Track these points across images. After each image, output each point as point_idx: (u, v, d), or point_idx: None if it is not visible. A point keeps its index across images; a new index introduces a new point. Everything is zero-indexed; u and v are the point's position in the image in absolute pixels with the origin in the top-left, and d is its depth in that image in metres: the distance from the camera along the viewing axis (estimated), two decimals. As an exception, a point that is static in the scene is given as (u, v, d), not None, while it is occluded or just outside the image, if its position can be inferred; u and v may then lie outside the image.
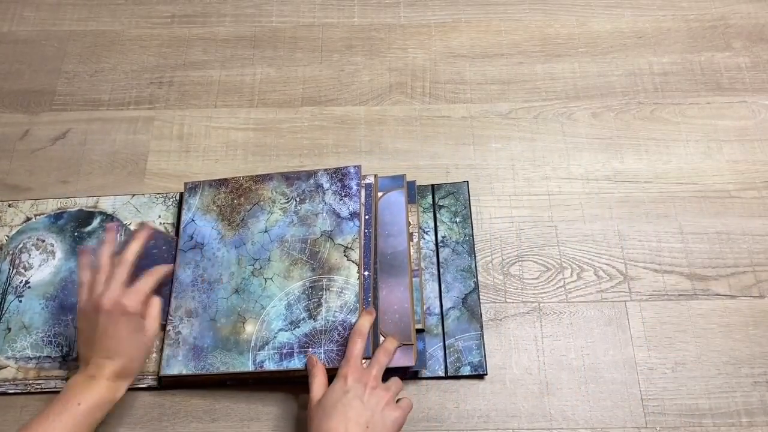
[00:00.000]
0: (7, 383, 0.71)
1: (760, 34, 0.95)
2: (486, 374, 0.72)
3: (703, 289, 0.77)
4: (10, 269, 0.77)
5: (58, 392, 0.70)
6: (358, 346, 0.64)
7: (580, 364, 0.73)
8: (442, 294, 0.75)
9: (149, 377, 0.71)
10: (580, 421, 0.70)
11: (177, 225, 0.79)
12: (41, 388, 0.71)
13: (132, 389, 0.71)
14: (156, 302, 0.67)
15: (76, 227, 0.80)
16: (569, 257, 0.79)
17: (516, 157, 0.86)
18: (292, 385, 0.72)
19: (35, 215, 0.81)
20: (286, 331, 0.69)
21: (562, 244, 0.80)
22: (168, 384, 0.71)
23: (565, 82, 0.92)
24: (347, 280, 0.70)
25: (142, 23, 0.99)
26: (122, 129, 0.90)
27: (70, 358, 0.72)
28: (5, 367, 0.72)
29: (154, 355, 0.72)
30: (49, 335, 0.73)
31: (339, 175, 0.77)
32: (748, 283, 0.77)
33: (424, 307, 0.73)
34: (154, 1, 1.01)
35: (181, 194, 0.81)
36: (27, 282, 0.76)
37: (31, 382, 0.71)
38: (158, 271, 0.68)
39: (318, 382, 0.63)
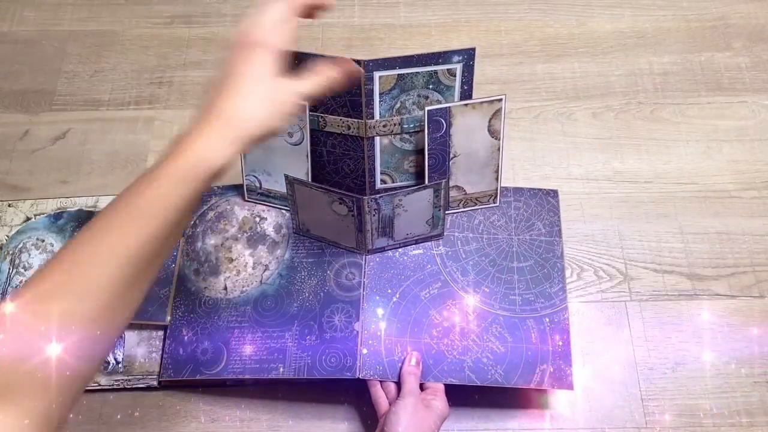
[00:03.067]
0: (7, 383, 0.71)
1: (760, 34, 0.95)
2: (486, 374, 0.72)
3: (703, 289, 0.77)
4: (9, 269, 0.77)
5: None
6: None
7: (580, 364, 0.73)
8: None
9: (149, 377, 0.71)
10: (580, 421, 0.70)
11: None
12: (41, 388, 0.71)
13: (132, 389, 0.71)
14: (320, 73, 0.49)
15: (76, 227, 0.80)
16: (569, 257, 0.79)
17: (516, 157, 0.86)
18: (291, 385, 0.72)
19: (35, 215, 0.81)
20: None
21: (562, 241, 0.79)
22: (167, 384, 0.71)
23: (565, 82, 0.92)
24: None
25: (142, 23, 0.99)
26: (122, 129, 0.89)
27: (70, 358, 0.72)
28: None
29: (154, 354, 0.72)
30: (49, 335, 0.73)
31: None
32: (748, 283, 0.77)
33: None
34: (154, 1, 1.01)
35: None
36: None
37: (31, 381, 0.71)
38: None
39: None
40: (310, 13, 0.49)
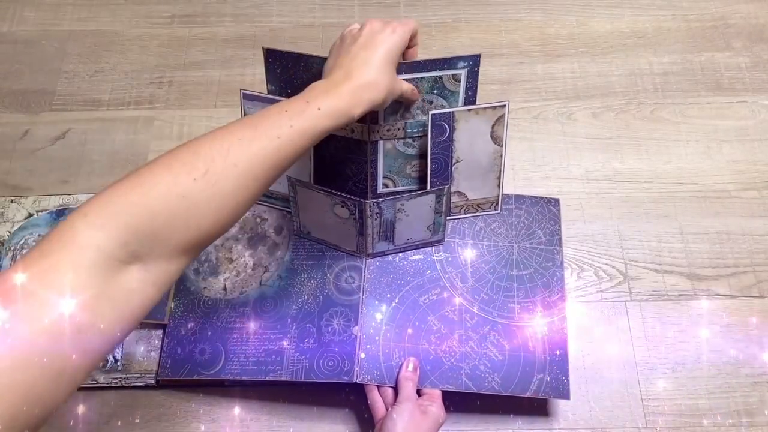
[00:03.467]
0: (7, 383, 0.71)
1: (760, 34, 0.95)
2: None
3: (703, 289, 0.77)
4: (11, 265, 0.77)
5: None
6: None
7: (580, 365, 0.73)
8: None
9: (147, 376, 0.71)
10: (580, 421, 0.70)
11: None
12: (41, 388, 0.71)
13: (130, 387, 0.71)
14: (407, 84, 0.64)
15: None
16: (569, 257, 0.79)
17: (516, 158, 0.86)
18: (290, 386, 0.72)
19: (37, 211, 0.81)
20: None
21: (563, 250, 0.79)
22: (165, 383, 0.71)
23: (565, 82, 0.92)
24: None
25: (142, 23, 0.99)
26: (122, 129, 0.90)
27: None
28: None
29: (153, 353, 0.72)
30: (49, 335, 0.73)
31: None
32: (748, 283, 0.77)
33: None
34: (154, 1, 1.01)
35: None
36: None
37: (31, 382, 0.71)
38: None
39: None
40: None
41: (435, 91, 0.68)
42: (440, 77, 0.67)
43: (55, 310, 0.36)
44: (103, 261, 0.39)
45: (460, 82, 0.67)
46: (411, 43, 0.62)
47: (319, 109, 0.52)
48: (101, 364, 0.72)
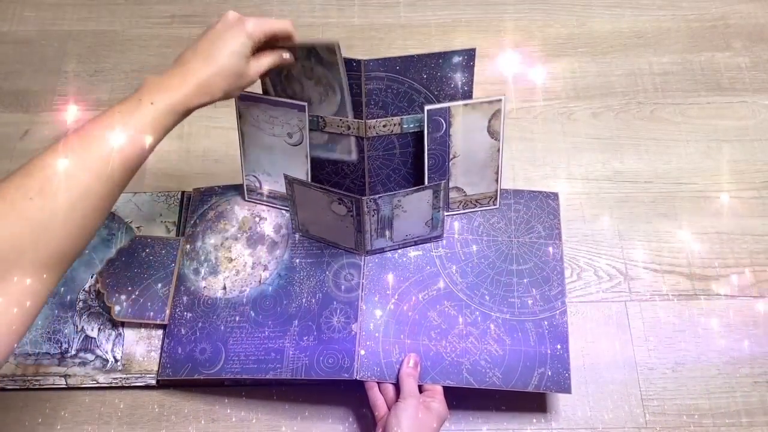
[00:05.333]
0: (5, 379, 0.71)
1: (760, 34, 0.95)
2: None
3: (703, 289, 0.77)
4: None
5: (56, 389, 0.71)
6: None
7: (580, 364, 0.72)
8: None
9: (147, 376, 0.71)
10: (580, 421, 0.70)
11: (178, 225, 0.79)
12: (39, 385, 0.71)
13: (130, 387, 0.71)
14: (269, 56, 0.61)
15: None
16: (569, 257, 0.79)
17: (516, 157, 0.86)
18: (291, 386, 0.72)
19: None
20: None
21: (562, 244, 0.79)
22: (165, 383, 0.71)
23: (565, 82, 0.92)
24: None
25: (142, 23, 0.99)
26: (122, 129, 0.89)
27: (68, 355, 0.72)
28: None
29: (153, 353, 0.72)
30: (48, 332, 0.73)
31: None
32: (748, 283, 0.77)
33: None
34: (154, 1, 1.01)
35: (182, 193, 0.81)
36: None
37: (29, 378, 0.71)
38: (283, 24, 0.62)
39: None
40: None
41: (313, 58, 0.66)
42: (313, 47, 0.66)
43: None
44: None
45: (335, 53, 0.66)
46: (276, 42, 0.61)
47: (152, 103, 0.51)
48: (101, 364, 0.72)
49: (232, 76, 0.57)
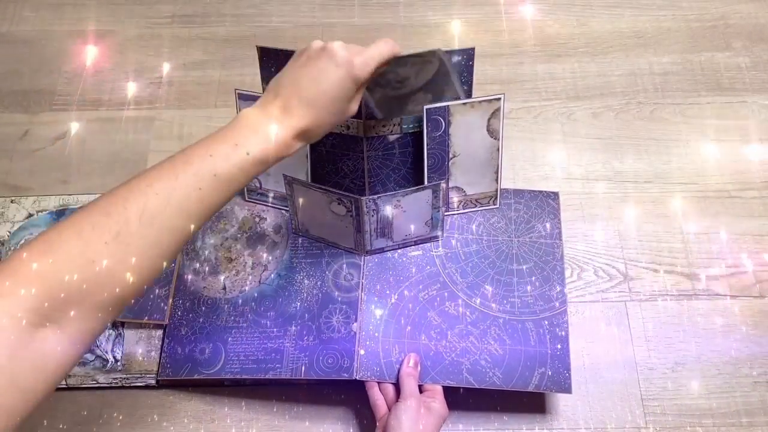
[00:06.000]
0: (6, 382, 0.71)
1: (760, 34, 0.95)
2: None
3: (703, 289, 0.77)
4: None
5: (57, 389, 0.70)
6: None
7: (580, 364, 0.72)
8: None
9: (147, 376, 0.71)
10: (580, 421, 0.70)
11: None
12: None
13: (130, 387, 0.71)
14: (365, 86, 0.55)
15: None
16: (569, 257, 0.79)
17: (516, 157, 0.86)
18: (291, 386, 0.72)
19: (37, 212, 0.81)
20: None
21: (562, 244, 0.79)
22: (165, 383, 0.71)
23: (565, 82, 0.92)
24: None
25: (142, 23, 0.99)
26: (122, 129, 0.90)
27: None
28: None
29: (153, 353, 0.72)
30: (48, 335, 0.73)
31: None
32: (748, 283, 0.77)
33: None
34: (154, 1, 1.01)
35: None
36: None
37: (30, 381, 0.71)
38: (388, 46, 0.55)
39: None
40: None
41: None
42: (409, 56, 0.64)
43: None
44: (13, 326, 0.39)
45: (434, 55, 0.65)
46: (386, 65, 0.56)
47: (247, 154, 0.47)
48: (101, 364, 0.72)
49: (334, 122, 0.53)
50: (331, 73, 0.51)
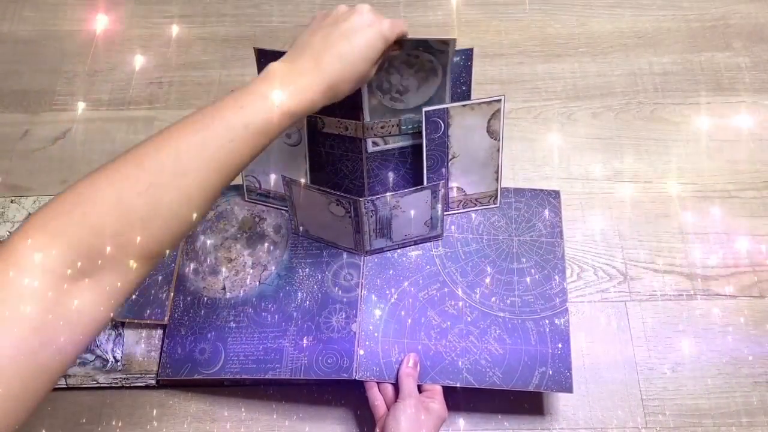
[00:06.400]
0: (6, 382, 0.71)
1: (760, 34, 0.95)
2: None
3: (703, 289, 0.77)
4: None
5: (56, 389, 0.71)
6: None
7: (580, 364, 0.72)
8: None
9: (147, 376, 0.71)
10: (580, 421, 0.70)
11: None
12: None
13: (130, 387, 0.71)
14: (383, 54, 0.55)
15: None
16: (569, 257, 0.79)
17: (516, 157, 0.86)
18: (291, 386, 0.72)
19: (36, 213, 0.81)
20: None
21: (563, 242, 0.79)
22: (165, 383, 0.71)
23: (565, 82, 0.92)
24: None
25: (142, 23, 0.99)
26: (122, 129, 0.90)
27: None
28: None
29: (153, 353, 0.72)
30: (48, 335, 0.73)
31: None
32: (748, 283, 0.77)
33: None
34: (154, 1, 1.01)
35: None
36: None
37: (30, 381, 0.71)
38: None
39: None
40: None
41: (420, 48, 0.65)
42: (425, 40, 0.65)
43: (6, 337, 0.36)
44: (49, 282, 0.38)
45: (448, 44, 0.65)
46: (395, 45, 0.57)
47: (278, 106, 0.47)
48: (101, 364, 0.72)
49: (358, 82, 0.53)
50: (363, 31, 0.51)
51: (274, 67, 0.50)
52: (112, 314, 0.43)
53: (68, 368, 0.39)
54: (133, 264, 0.42)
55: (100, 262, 0.40)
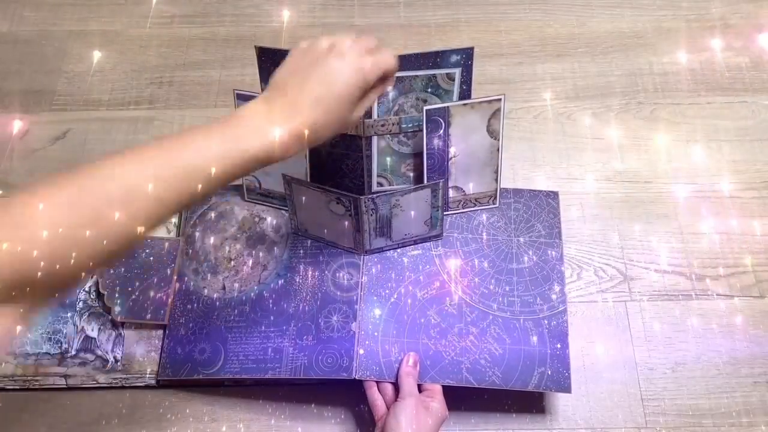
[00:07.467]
0: (6, 379, 0.71)
1: (760, 34, 0.95)
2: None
3: (703, 289, 0.77)
4: None
5: (56, 389, 0.71)
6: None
7: (580, 364, 0.72)
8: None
9: (147, 376, 0.71)
10: (580, 421, 0.70)
11: (178, 225, 0.79)
12: (40, 385, 0.71)
13: (130, 387, 0.71)
14: (372, 96, 0.53)
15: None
16: (569, 257, 0.79)
17: (516, 157, 0.86)
18: (290, 386, 0.72)
19: (35, 215, 0.81)
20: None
21: (562, 243, 0.79)
22: (165, 383, 0.71)
23: (565, 82, 0.92)
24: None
25: (142, 23, 0.99)
26: (122, 129, 0.90)
27: (69, 355, 0.72)
28: (4, 363, 0.72)
29: (153, 353, 0.72)
30: (48, 332, 0.73)
31: None
32: (748, 283, 0.77)
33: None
34: (154, 1, 1.01)
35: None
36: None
37: (29, 378, 0.71)
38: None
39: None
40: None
41: (429, 90, 0.68)
42: (434, 76, 0.67)
43: None
44: None
45: (454, 81, 0.67)
46: (384, 80, 0.53)
47: (247, 151, 0.45)
48: (101, 364, 0.72)
49: (339, 126, 0.50)
50: (342, 73, 0.49)
51: (249, 109, 0.48)
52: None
53: None
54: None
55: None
